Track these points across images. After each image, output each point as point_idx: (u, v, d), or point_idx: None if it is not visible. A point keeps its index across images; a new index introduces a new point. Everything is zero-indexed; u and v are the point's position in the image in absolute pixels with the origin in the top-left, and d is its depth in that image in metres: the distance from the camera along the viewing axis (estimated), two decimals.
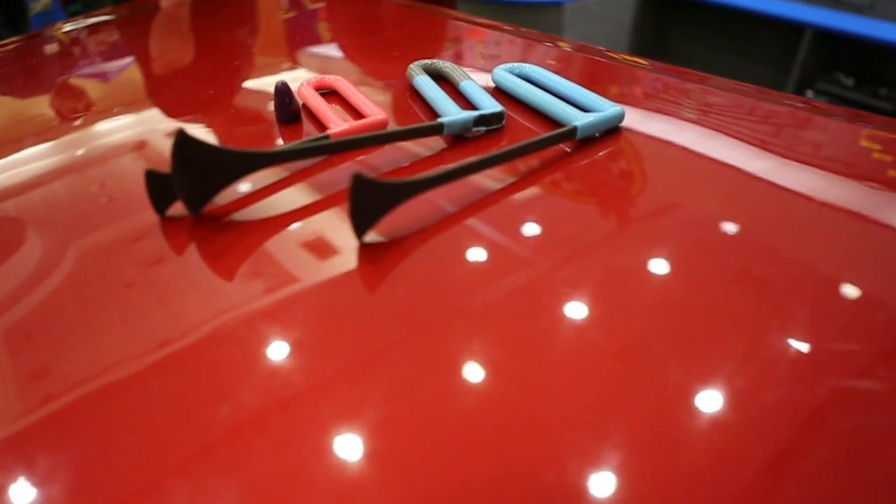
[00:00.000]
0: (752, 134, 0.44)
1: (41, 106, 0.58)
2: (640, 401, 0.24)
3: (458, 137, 0.44)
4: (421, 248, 0.34)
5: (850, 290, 0.30)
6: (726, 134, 0.44)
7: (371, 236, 0.34)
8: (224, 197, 0.38)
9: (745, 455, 0.22)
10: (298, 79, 0.51)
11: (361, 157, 0.42)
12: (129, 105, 0.53)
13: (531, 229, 0.35)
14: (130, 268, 0.33)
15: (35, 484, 0.22)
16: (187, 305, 0.31)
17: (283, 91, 0.45)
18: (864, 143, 0.44)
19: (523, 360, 0.27)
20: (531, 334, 0.28)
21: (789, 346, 0.27)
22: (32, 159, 0.45)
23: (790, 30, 2.09)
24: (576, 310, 0.30)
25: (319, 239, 0.35)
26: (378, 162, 0.42)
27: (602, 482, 0.22)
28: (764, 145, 0.43)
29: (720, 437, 0.23)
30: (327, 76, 0.51)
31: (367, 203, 0.33)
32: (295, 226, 0.36)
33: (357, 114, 0.47)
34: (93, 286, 0.32)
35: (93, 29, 0.78)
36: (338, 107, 0.49)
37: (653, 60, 0.56)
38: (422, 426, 0.24)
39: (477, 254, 0.33)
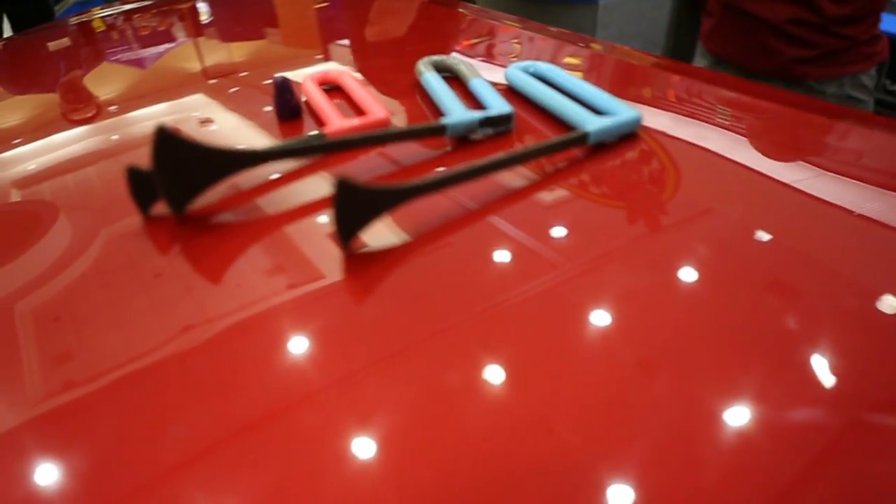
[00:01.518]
0: (784, 142, 0.41)
1: (76, 92, 0.58)
2: (659, 412, 0.23)
3: (463, 139, 0.41)
4: (415, 256, 0.31)
5: (889, 306, 0.27)
6: (754, 141, 0.41)
7: (361, 243, 0.32)
8: (212, 196, 0.36)
9: (763, 476, 0.21)
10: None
11: (359, 158, 0.40)
12: (164, 92, 0.53)
13: (535, 237, 0.33)
14: (159, 257, 0.32)
15: (57, 465, 0.22)
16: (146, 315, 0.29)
17: (282, 86, 0.43)
18: None
19: (536, 368, 0.25)
20: (543, 345, 0.26)
21: (820, 364, 0.25)
22: (68, 143, 0.46)
23: None
24: (595, 317, 0.28)
25: (309, 245, 0.33)
26: (375, 163, 0.39)
27: (616, 492, 0.20)
28: (799, 155, 0.39)
29: (740, 455, 0.21)
30: (332, 70, 0.48)
31: (352, 209, 0.30)
32: (282, 230, 0.34)
33: (360, 111, 0.45)
34: (121, 273, 0.31)
35: (128, 15, 0.78)
36: (341, 103, 0.47)
37: (683, 63, 0.53)
38: (432, 432, 0.23)
39: (479, 263, 0.31)
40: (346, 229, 0.31)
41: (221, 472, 0.22)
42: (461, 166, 0.33)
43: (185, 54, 0.65)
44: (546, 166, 0.37)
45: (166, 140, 0.32)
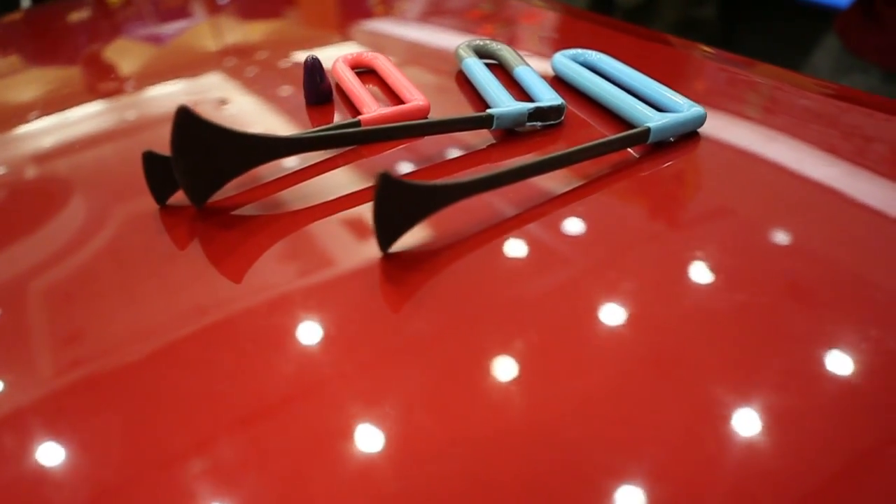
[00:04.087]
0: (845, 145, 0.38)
1: (93, 68, 0.55)
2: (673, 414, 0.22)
3: (510, 132, 0.38)
4: (453, 265, 0.28)
5: None
6: (822, 149, 0.37)
7: (398, 246, 0.28)
8: (233, 187, 0.33)
9: (776, 484, 0.19)
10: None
11: (394, 149, 0.36)
12: (182, 70, 0.51)
13: (584, 249, 0.29)
14: (171, 240, 0.31)
15: (64, 448, 0.22)
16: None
17: (313, 67, 0.40)
18: None
19: (556, 365, 0.24)
20: (569, 345, 0.24)
21: (837, 369, 0.23)
22: (85, 120, 0.44)
23: None
24: (617, 316, 0.26)
25: (335, 252, 0.30)
26: (414, 156, 0.36)
27: (627, 496, 0.20)
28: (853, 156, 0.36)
29: (754, 460, 0.20)
30: (365, 53, 0.45)
31: (395, 209, 0.27)
32: (309, 227, 0.31)
33: (396, 97, 0.41)
34: (134, 254, 0.30)
35: None
36: (375, 88, 0.43)
37: (745, 57, 0.49)
38: (447, 440, 0.21)
39: (526, 275, 0.28)
40: (388, 230, 0.28)
41: (233, 458, 0.21)
42: (515, 162, 0.30)
43: (205, 32, 0.62)
44: (592, 167, 0.34)
45: (189, 122, 0.29)
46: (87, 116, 0.44)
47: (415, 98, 0.39)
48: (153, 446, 0.21)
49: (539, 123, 0.37)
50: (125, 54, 0.58)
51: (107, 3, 0.72)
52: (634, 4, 1.79)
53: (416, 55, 0.53)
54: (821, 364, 0.23)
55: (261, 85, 0.47)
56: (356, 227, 0.31)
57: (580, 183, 0.33)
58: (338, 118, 0.40)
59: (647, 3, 1.80)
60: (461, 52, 0.45)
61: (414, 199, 0.28)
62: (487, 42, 0.46)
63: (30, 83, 0.54)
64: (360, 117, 0.36)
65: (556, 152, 0.31)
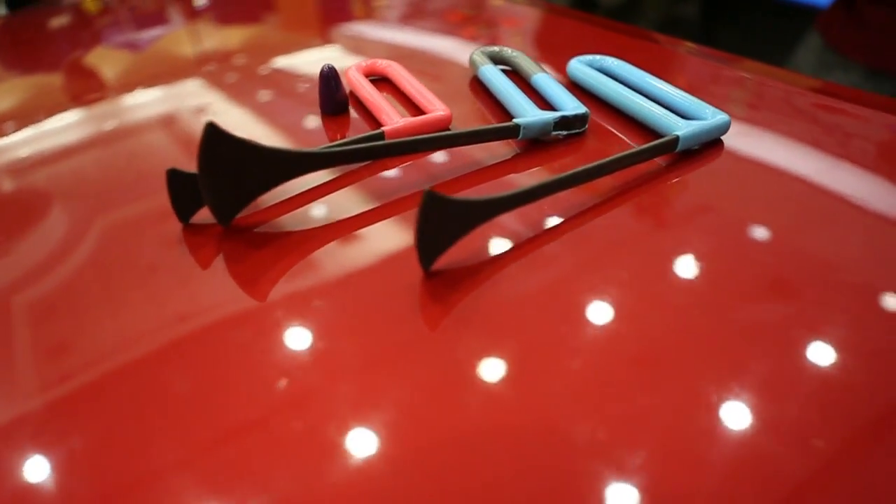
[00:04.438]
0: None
1: (70, 76, 0.54)
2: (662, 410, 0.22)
3: (534, 141, 0.37)
4: (491, 281, 0.27)
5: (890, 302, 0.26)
6: (850, 159, 0.37)
7: (439, 265, 0.28)
8: (256, 205, 0.32)
9: (765, 479, 0.19)
10: (318, 59, 0.44)
11: (416, 161, 0.36)
12: (160, 78, 0.49)
13: (625, 263, 0.29)
14: (155, 250, 0.30)
15: (51, 461, 0.21)
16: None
17: (329, 76, 0.39)
18: None
19: (546, 364, 0.24)
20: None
21: (823, 361, 0.24)
22: (62, 130, 0.43)
23: None
24: (607, 314, 0.26)
25: (368, 268, 0.29)
26: (437, 168, 0.35)
27: (616, 493, 0.19)
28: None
29: (742, 454, 0.20)
30: (379, 61, 0.44)
31: (438, 226, 0.26)
32: (337, 245, 0.30)
33: (413, 106, 0.40)
34: (118, 265, 0.29)
35: None
36: (390, 97, 0.42)
37: (764, 63, 0.49)
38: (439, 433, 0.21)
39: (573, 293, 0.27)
40: (431, 248, 0.27)
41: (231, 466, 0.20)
42: (547, 174, 0.30)
43: (183, 38, 0.60)
44: (619, 178, 0.34)
45: (218, 139, 0.28)
46: (64, 126, 0.43)
47: (436, 108, 0.38)
48: (143, 458, 0.21)
49: (564, 132, 0.37)
50: (103, 62, 0.56)
51: (84, 11, 0.70)
52: (616, 4, 1.80)
53: (413, 62, 0.52)
54: (806, 355, 0.24)
55: (239, 91, 0.46)
56: (385, 241, 0.30)
57: (610, 191, 0.32)
58: (352, 128, 0.39)
59: (630, 2, 1.81)
60: (476, 58, 0.44)
61: (458, 215, 0.27)
62: (501, 48, 0.45)
63: (5, 93, 0.52)
64: (383, 129, 0.35)
65: (592, 163, 0.31)
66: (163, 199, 0.31)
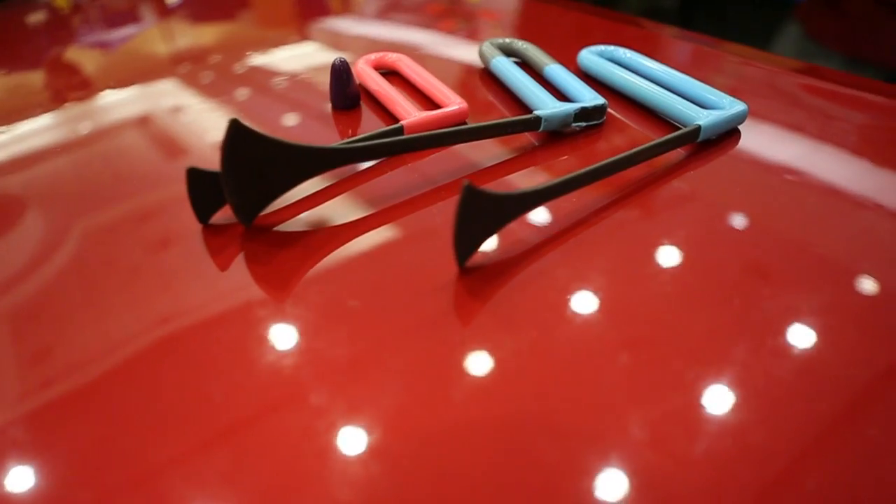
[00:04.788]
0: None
1: (41, 77, 0.51)
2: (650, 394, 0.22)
3: (552, 134, 0.37)
4: (523, 275, 0.27)
5: (869, 285, 0.26)
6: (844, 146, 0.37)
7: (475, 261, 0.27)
8: (274, 204, 0.31)
9: (753, 457, 0.20)
10: (295, 55, 0.43)
11: (435, 155, 0.35)
12: (134, 77, 0.47)
13: (660, 258, 0.28)
14: (137, 251, 0.29)
15: (37, 468, 0.20)
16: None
17: (341, 70, 0.38)
18: None
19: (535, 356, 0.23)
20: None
21: (801, 341, 0.24)
22: (36, 133, 0.41)
23: None
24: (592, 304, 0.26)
25: (398, 265, 0.28)
26: (458, 161, 0.35)
27: (603, 480, 0.19)
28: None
29: (729, 434, 0.20)
30: (389, 54, 0.43)
31: (474, 221, 0.26)
32: (359, 243, 0.29)
33: (425, 100, 0.40)
34: (98, 269, 0.28)
35: None
36: (401, 91, 0.41)
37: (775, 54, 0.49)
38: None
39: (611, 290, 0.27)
40: (468, 244, 0.26)
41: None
42: (590, 166, 0.29)
43: (155, 37, 0.59)
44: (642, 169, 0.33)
45: (242, 136, 0.27)
46: (37, 129, 0.41)
47: (452, 101, 0.37)
48: (130, 463, 0.20)
49: (584, 123, 0.36)
50: (74, 62, 0.54)
51: (56, 9, 0.68)
52: None
53: (434, 54, 0.51)
54: (786, 337, 0.24)
55: (216, 90, 0.44)
56: (413, 238, 0.29)
57: (630, 183, 0.32)
58: (363, 123, 0.38)
59: None
60: (487, 51, 0.43)
61: (495, 209, 0.26)
62: (513, 40, 0.44)
63: None
64: (402, 123, 0.35)
65: (619, 154, 0.31)
66: (142, 200, 0.30)
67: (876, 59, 1.09)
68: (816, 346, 0.24)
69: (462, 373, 0.23)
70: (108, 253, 0.29)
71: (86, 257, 0.29)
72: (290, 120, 0.40)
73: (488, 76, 0.44)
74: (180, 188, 0.29)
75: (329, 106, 0.40)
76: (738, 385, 0.22)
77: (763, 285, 0.27)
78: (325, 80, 0.39)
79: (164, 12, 0.65)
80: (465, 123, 0.37)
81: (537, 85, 0.38)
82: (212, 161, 0.29)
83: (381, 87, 0.39)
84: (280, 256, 0.28)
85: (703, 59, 0.51)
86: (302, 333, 0.25)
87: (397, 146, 0.31)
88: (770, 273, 0.27)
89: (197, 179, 0.29)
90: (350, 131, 0.38)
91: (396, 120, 0.37)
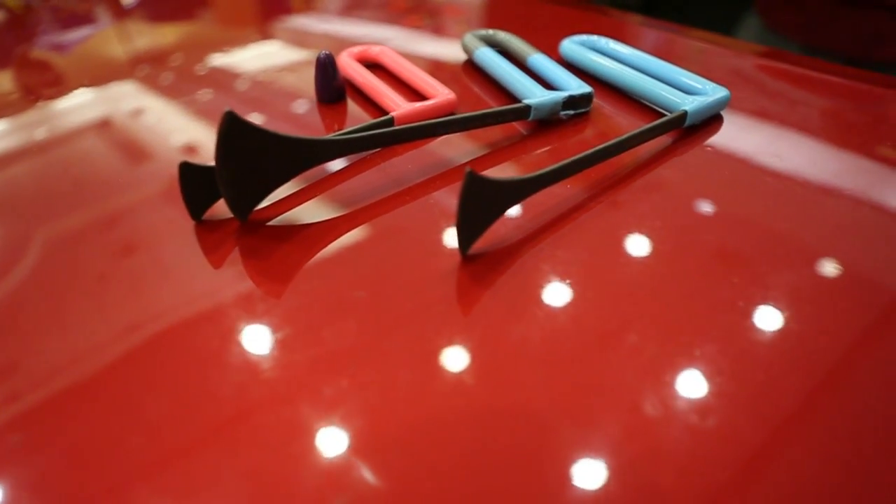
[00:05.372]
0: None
1: None
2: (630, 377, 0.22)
3: (539, 123, 0.37)
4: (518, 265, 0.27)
5: (831, 268, 0.27)
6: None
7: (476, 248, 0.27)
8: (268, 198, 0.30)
9: (730, 438, 0.20)
10: (279, 56, 0.42)
11: (425, 146, 0.35)
12: (90, 81, 0.46)
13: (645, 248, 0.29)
14: (102, 258, 0.28)
15: (9, 480, 0.20)
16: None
17: (326, 63, 0.38)
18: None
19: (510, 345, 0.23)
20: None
21: (771, 325, 0.24)
22: None
23: None
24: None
25: (396, 252, 0.28)
26: (450, 151, 0.34)
27: (583, 469, 0.19)
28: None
29: (706, 417, 0.21)
30: (372, 47, 0.43)
31: (477, 208, 0.26)
32: (361, 235, 0.29)
33: (410, 91, 0.40)
34: (62, 278, 0.27)
35: None
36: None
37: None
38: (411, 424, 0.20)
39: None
40: (470, 231, 0.26)
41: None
42: (584, 152, 0.29)
43: (111, 38, 0.57)
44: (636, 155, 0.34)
45: (237, 129, 0.26)
46: None
47: (440, 92, 0.37)
48: (103, 475, 0.20)
49: (571, 112, 0.37)
50: (28, 65, 0.52)
51: (8, 10, 0.65)
52: None
53: (415, 46, 0.51)
54: (756, 319, 0.24)
55: (177, 91, 0.43)
56: (411, 228, 0.29)
57: (621, 171, 0.32)
58: (350, 116, 0.38)
59: None
60: (469, 42, 0.43)
61: (496, 195, 0.26)
62: (494, 32, 0.45)
63: None
64: (392, 115, 0.34)
65: (611, 140, 0.31)
66: (105, 206, 0.29)
67: (833, 47, 1.12)
68: (787, 327, 0.24)
69: (471, 360, 0.23)
70: (73, 262, 0.28)
71: (49, 267, 0.28)
72: (267, 117, 0.39)
73: (470, 67, 0.44)
74: (145, 191, 0.28)
75: (304, 102, 0.39)
76: (719, 367, 0.23)
77: (735, 268, 0.27)
78: (300, 77, 0.39)
79: (120, 13, 0.63)
80: (453, 114, 0.37)
81: (523, 74, 0.38)
82: (177, 164, 0.28)
83: (367, 80, 0.38)
84: (278, 251, 0.28)
85: (670, 46, 0.52)
86: (305, 327, 0.24)
87: (390, 137, 0.31)
88: (739, 256, 0.28)
89: (189, 174, 0.28)
90: (336, 126, 0.38)
91: (384, 112, 0.37)
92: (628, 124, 0.37)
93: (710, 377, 0.22)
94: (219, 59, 0.48)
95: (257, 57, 0.48)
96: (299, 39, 0.52)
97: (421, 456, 0.20)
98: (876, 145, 0.36)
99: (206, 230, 0.29)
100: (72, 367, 0.23)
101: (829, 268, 0.27)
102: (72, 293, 0.27)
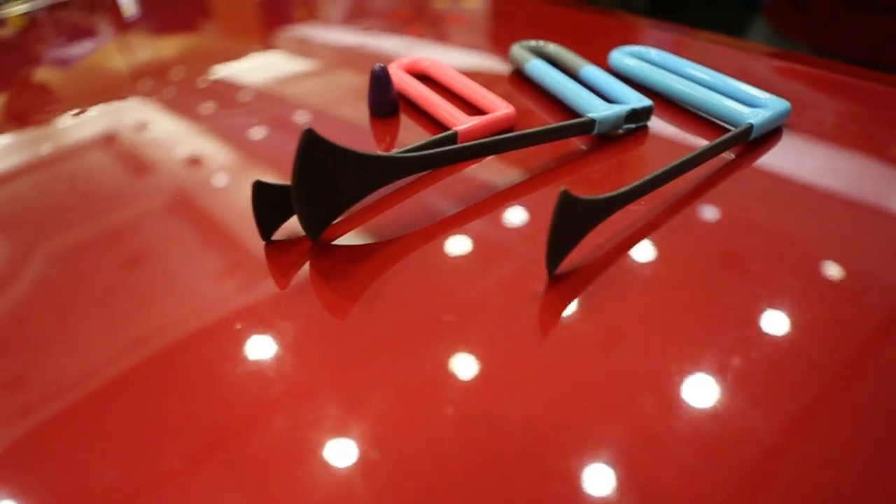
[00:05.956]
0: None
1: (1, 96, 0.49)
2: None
3: (599, 137, 0.36)
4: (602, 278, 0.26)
5: (834, 269, 0.27)
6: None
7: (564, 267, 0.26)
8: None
9: (737, 441, 0.20)
10: (282, 67, 0.42)
11: (485, 161, 0.34)
12: (94, 95, 0.46)
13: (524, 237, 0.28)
14: (109, 271, 0.28)
15: (17, 492, 0.20)
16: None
17: (380, 76, 0.37)
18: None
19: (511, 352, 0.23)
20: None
21: (776, 326, 0.24)
22: None
23: None
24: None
25: (483, 276, 0.27)
26: (512, 167, 0.34)
27: (590, 473, 0.19)
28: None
29: (713, 424, 0.21)
30: (422, 58, 0.42)
31: (567, 228, 0.25)
32: (435, 251, 0.28)
33: (466, 105, 0.39)
34: (69, 291, 0.27)
35: (51, 10, 0.67)
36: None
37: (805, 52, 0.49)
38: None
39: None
40: (559, 250, 0.26)
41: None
42: (670, 164, 0.29)
43: (116, 52, 0.56)
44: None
45: (316, 147, 0.26)
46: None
47: (498, 106, 0.36)
48: (114, 487, 0.20)
49: (633, 125, 0.36)
50: (32, 80, 0.51)
51: (10, 25, 0.64)
52: None
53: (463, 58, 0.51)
54: (763, 324, 0.24)
55: (179, 103, 0.43)
56: (488, 247, 0.29)
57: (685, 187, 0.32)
58: (402, 131, 0.37)
59: None
60: (519, 54, 0.43)
61: (585, 214, 0.26)
62: (544, 43, 0.44)
63: None
64: (455, 129, 0.34)
65: (685, 156, 0.30)
66: (111, 219, 0.29)
67: (842, 50, 1.13)
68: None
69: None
70: (80, 275, 0.28)
71: (55, 281, 0.28)
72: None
73: (517, 79, 0.43)
74: (151, 205, 0.28)
75: (355, 113, 0.38)
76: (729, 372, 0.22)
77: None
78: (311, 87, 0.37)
79: (122, 26, 0.63)
80: (513, 128, 0.37)
81: (581, 87, 0.38)
82: (181, 176, 0.27)
83: (422, 93, 0.38)
84: (351, 271, 0.27)
85: (709, 57, 0.51)
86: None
87: (461, 153, 0.31)
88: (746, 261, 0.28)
89: (262, 193, 0.27)
90: (388, 138, 0.37)
91: (440, 126, 0.36)
92: (685, 138, 0.37)
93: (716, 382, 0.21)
94: (222, 71, 0.47)
95: (261, 68, 0.47)
96: (303, 50, 0.51)
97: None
98: None
99: (276, 250, 0.28)
100: (79, 381, 0.23)
101: (832, 270, 0.27)
102: (79, 305, 0.27)
